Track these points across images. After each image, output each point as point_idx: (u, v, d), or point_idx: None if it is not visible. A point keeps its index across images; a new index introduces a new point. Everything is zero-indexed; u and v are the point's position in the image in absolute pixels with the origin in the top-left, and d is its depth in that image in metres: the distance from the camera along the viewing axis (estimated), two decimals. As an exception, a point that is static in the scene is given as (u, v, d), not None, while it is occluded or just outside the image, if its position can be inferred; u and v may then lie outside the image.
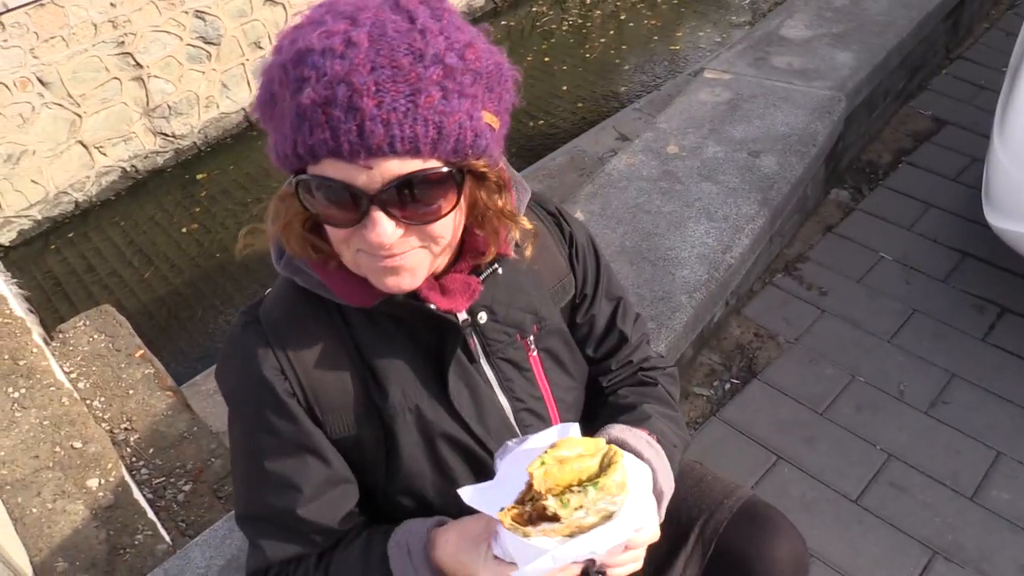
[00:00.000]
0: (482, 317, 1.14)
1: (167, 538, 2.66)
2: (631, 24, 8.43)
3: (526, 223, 1.06)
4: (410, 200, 0.90)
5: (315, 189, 0.90)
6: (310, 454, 1.09)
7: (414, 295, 1.04)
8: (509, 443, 1.05)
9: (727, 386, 2.60)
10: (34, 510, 2.68)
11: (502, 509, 0.92)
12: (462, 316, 1.12)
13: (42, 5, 5.70)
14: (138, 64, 6.35)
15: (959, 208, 3.16)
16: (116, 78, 6.30)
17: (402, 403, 1.10)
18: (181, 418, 3.26)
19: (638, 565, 1.08)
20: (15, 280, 5.10)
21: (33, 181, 6.14)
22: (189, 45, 6.61)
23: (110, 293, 5.72)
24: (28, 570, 2.47)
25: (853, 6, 3.68)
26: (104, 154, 6.48)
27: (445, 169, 0.89)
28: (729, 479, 1.40)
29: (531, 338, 1.20)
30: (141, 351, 3.61)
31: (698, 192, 2.71)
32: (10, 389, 3.12)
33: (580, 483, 0.92)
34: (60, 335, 3.69)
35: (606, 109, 6.83)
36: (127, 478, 2.87)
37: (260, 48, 7.03)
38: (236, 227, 6.19)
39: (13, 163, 5.95)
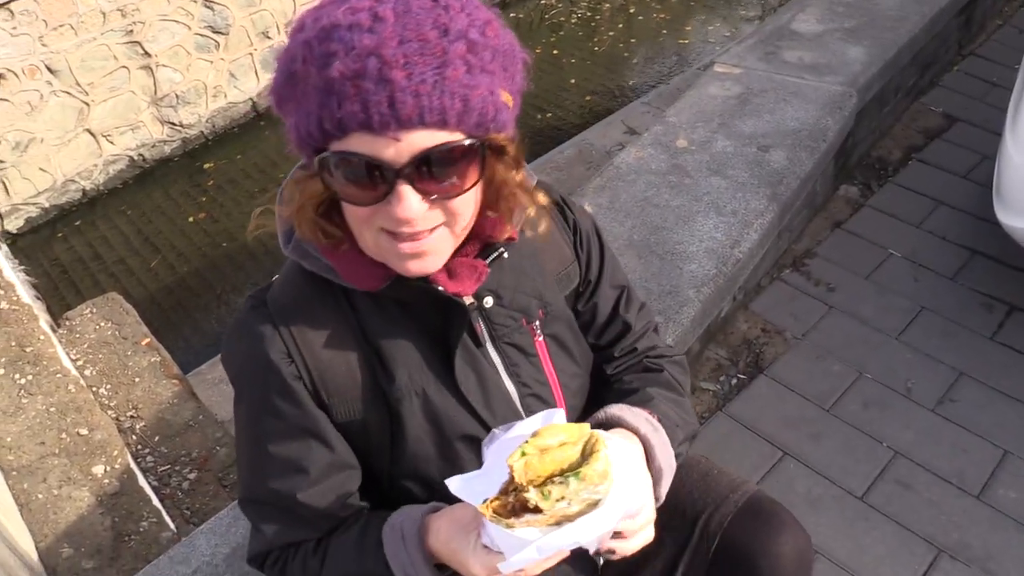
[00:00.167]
0: (488, 301, 1.14)
1: (172, 526, 2.66)
2: (640, 17, 8.39)
3: (543, 197, 1.08)
4: (436, 173, 0.91)
5: (339, 166, 0.91)
6: (314, 439, 1.10)
7: (422, 278, 1.04)
8: (496, 430, 1.05)
9: (734, 381, 2.59)
10: (40, 496, 2.69)
11: (485, 501, 0.91)
12: (468, 300, 1.12)
13: (51, -8, 5.70)
14: (146, 53, 6.34)
15: (969, 206, 3.14)
16: (124, 67, 6.30)
17: (408, 387, 1.10)
18: (187, 406, 3.27)
19: (649, 537, 1.08)
20: (22, 267, 5.12)
21: (41, 169, 6.14)
22: (197, 34, 6.60)
23: (117, 281, 5.72)
24: (34, 555, 2.48)
25: (865, 1, 3.65)
26: (112, 143, 6.48)
27: (468, 142, 0.90)
28: (735, 474, 1.40)
29: (537, 323, 1.20)
30: (147, 339, 3.61)
31: (707, 186, 2.70)
32: (17, 375, 3.14)
33: (562, 473, 0.91)
34: (67, 322, 3.70)
35: (614, 103, 6.80)
36: (132, 466, 2.87)
37: (268, 38, 7.02)
38: (243, 217, 6.19)
39: (21, 151, 5.96)
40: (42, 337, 3.34)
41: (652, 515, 1.09)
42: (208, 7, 6.56)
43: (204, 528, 1.88)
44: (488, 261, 1.09)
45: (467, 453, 1.15)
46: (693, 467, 1.40)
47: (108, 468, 2.81)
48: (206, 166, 6.85)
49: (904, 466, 2.31)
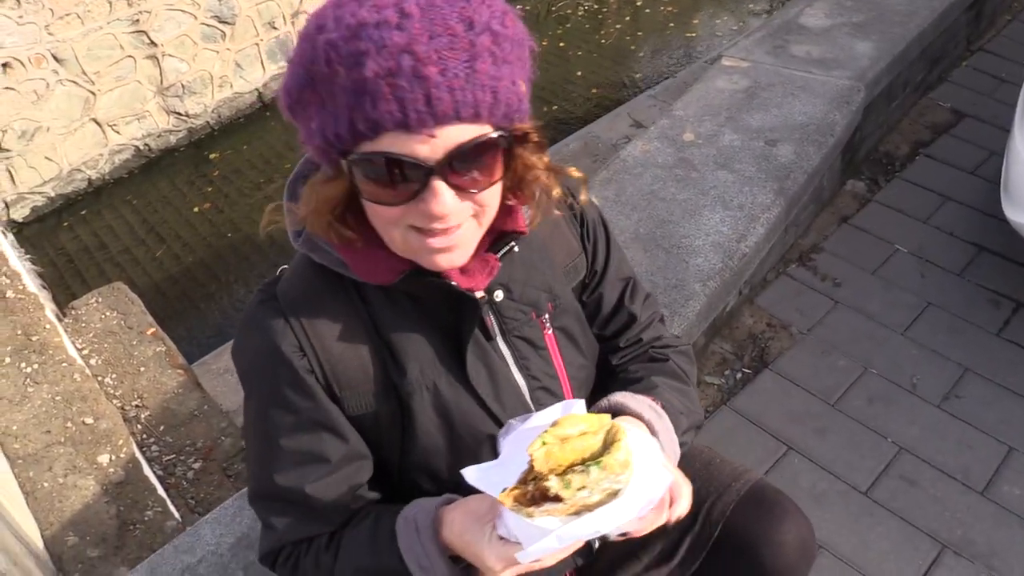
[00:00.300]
0: (498, 295, 1.14)
1: (176, 515, 2.67)
2: (647, 10, 8.35)
3: (575, 171, 1.09)
4: (468, 167, 0.91)
5: (372, 167, 0.90)
6: (327, 431, 1.09)
7: (435, 273, 1.04)
8: (512, 421, 1.05)
9: (739, 375, 2.59)
10: (45, 484, 2.70)
11: (504, 490, 0.91)
12: (479, 294, 1.12)
13: (58, -19, 5.69)
14: (152, 42, 6.34)
15: (976, 202, 3.13)
16: (130, 56, 6.29)
17: (420, 380, 1.10)
18: (192, 396, 3.27)
19: (660, 522, 1.08)
20: (28, 256, 5.12)
21: (47, 158, 6.15)
22: (204, 24, 6.59)
23: (122, 271, 5.73)
24: (39, 543, 2.49)
25: (874, -5, 3.63)
26: (118, 132, 6.48)
27: (497, 134, 0.91)
28: (738, 463, 1.40)
29: (546, 317, 1.20)
30: (153, 329, 3.62)
31: (714, 180, 2.70)
32: (23, 364, 3.14)
33: (583, 462, 0.91)
34: (73, 311, 3.71)
35: (621, 95, 6.78)
36: (137, 455, 2.88)
37: (275, 28, 7.01)
38: (248, 207, 6.20)
39: (27, 140, 5.96)
40: (48, 326, 3.35)
41: (667, 500, 1.09)
42: (215, -3, 6.56)
43: (209, 518, 1.88)
44: (499, 255, 1.09)
45: (476, 446, 1.15)
46: (696, 456, 1.40)
47: (113, 457, 2.82)
48: (212, 156, 6.85)
49: (909, 462, 2.31)
